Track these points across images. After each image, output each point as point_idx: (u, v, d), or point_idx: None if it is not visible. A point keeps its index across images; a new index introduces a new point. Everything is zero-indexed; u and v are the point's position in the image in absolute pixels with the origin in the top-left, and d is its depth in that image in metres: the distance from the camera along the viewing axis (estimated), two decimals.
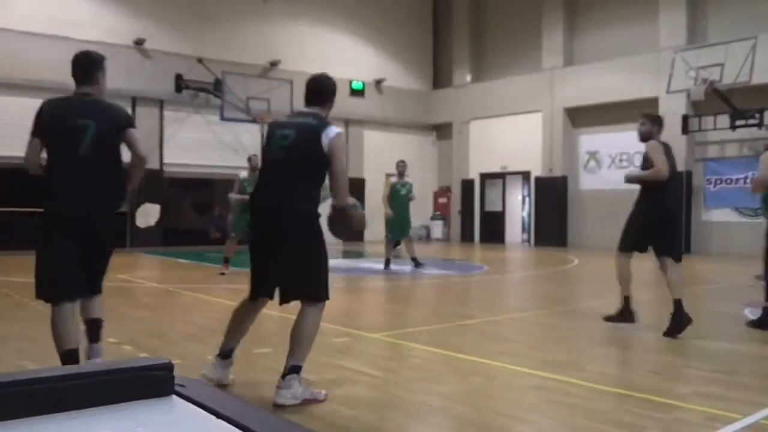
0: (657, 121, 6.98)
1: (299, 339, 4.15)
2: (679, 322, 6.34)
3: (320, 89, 4.37)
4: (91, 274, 4.26)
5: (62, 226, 4.10)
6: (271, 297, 4.35)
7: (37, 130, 4.18)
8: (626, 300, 6.88)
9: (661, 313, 7.67)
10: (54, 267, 4.12)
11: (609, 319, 6.97)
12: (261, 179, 4.32)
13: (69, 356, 4.09)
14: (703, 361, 5.47)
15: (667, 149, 6.65)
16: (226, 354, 4.40)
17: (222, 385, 4.28)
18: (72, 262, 4.12)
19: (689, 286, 8.29)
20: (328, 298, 4.27)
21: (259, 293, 4.37)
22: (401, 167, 12.60)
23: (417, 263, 12.50)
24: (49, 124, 4.16)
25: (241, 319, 4.44)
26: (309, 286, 4.20)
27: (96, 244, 4.23)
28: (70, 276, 4.13)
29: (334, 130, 4.17)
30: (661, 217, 6.58)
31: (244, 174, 11.48)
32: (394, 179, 12.79)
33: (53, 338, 4.15)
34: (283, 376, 4.05)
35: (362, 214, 4.40)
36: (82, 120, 4.11)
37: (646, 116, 6.98)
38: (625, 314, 6.86)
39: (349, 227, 4.37)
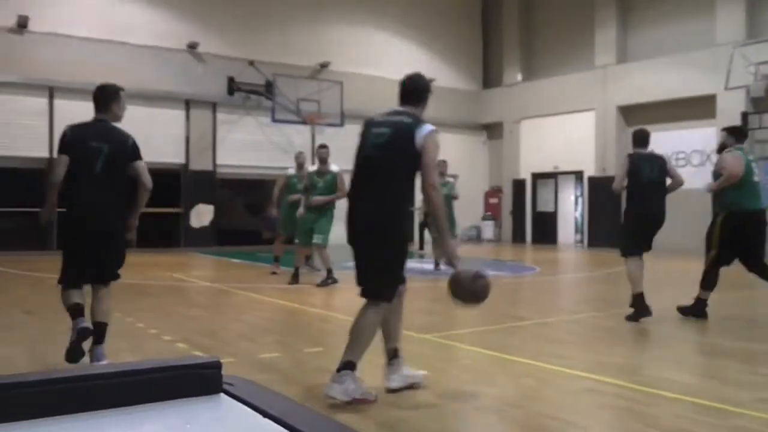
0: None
1: (357, 335, 4.17)
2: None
3: (414, 88, 4.46)
4: (99, 268, 4.97)
5: (79, 230, 4.86)
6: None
7: (64, 149, 4.88)
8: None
9: (723, 316, 7.48)
10: (71, 264, 4.91)
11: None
12: (356, 176, 4.36)
13: (75, 307, 4.83)
14: (763, 366, 5.30)
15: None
16: (392, 355, 4.42)
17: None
18: (82, 259, 4.90)
19: (747, 289, 8.06)
20: (390, 300, 4.26)
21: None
22: (442, 167, 12.36)
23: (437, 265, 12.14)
24: (72, 144, 4.86)
25: (383, 321, 4.37)
26: (376, 283, 4.24)
27: (104, 245, 4.94)
28: (79, 271, 4.91)
29: (428, 128, 4.20)
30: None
31: (291, 171, 11.32)
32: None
33: (63, 302, 4.88)
34: (338, 370, 4.06)
35: (485, 283, 4.29)
36: (98, 143, 4.85)
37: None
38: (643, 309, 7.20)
39: (467, 293, 4.30)
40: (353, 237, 4.28)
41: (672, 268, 12.11)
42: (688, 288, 7.67)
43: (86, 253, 4.88)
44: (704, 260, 7.42)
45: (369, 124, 4.40)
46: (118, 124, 5.09)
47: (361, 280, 4.27)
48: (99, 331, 4.88)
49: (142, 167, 5.01)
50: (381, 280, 4.24)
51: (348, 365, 4.07)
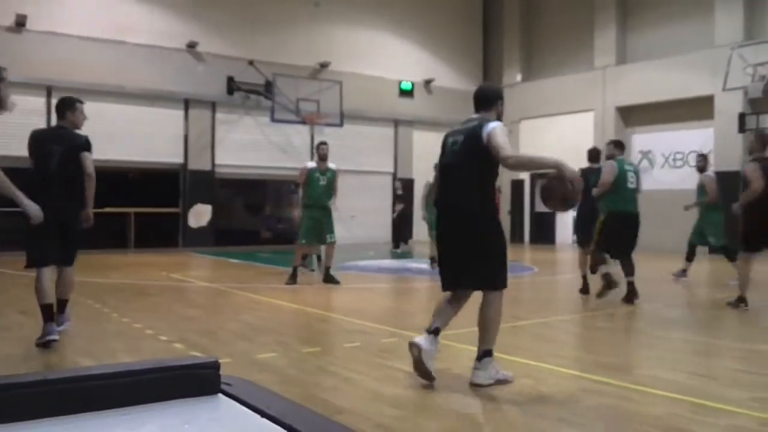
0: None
1: (486, 325, 4.57)
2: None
3: (482, 96, 4.86)
4: (62, 251, 5.83)
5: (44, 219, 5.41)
6: (461, 288, 4.69)
7: (28, 151, 5.76)
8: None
9: (718, 315, 7.50)
10: (36, 247, 5.67)
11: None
12: (441, 182, 4.82)
13: (46, 308, 5.65)
14: (760, 365, 5.30)
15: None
16: (433, 331, 4.67)
17: (423, 363, 4.52)
18: (48, 243, 5.65)
19: (749, 290, 8.07)
20: (505, 286, 4.64)
21: (449, 286, 4.70)
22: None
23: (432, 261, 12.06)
24: (33, 147, 5.75)
25: (444, 307, 4.72)
26: (487, 276, 4.58)
27: (64, 232, 5.75)
28: (46, 252, 5.70)
29: (492, 123, 4.52)
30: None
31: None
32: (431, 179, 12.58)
33: (36, 292, 5.62)
34: (479, 359, 4.53)
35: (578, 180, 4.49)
36: (53, 145, 5.71)
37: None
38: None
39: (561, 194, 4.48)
40: (454, 238, 4.63)
41: (663, 267, 12.11)
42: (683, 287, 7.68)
43: (47, 238, 5.62)
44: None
45: (447, 135, 4.87)
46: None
47: (471, 276, 4.59)
48: (61, 305, 6.04)
49: (87, 158, 5.79)
50: (494, 268, 4.60)
51: (487, 353, 4.54)
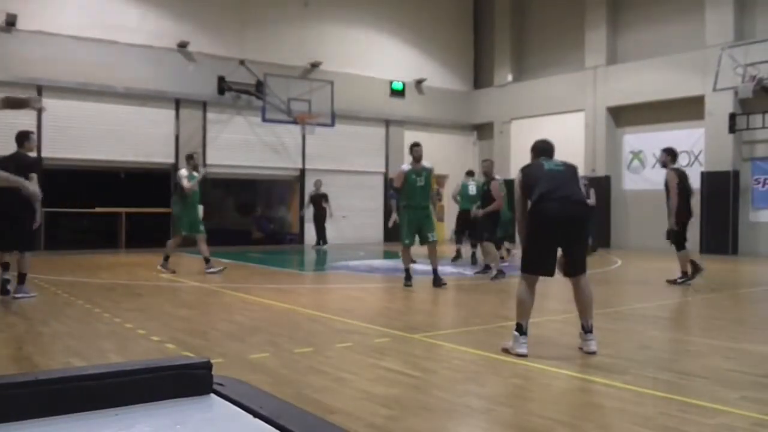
0: (669, 152, 9.99)
1: (590, 302, 5.67)
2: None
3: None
4: (16, 241, 8.47)
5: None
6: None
7: None
8: None
9: (708, 315, 7.53)
10: None
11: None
12: (552, 187, 5.64)
13: (4, 264, 8.65)
14: (749, 364, 5.33)
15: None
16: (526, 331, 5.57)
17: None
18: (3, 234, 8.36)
19: (736, 288, 8.11)
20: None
21: (546, 273, 5.65)
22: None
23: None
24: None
25: (531, 300, 5.65)
26: (585, 259, 5.84)
27: (16, 227, 8.33)
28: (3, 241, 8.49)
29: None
30: None
31: (406, 167, 10.41)
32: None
33: None
34: (588, 332, 5.58)
35: None
36: (8, 164, 7.27)
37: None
38: None
39: None
40: (571, 230, 5.60)
41: (656, 267, 12.16)
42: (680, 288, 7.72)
43: (5, 231, 8.33)
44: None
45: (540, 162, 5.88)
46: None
47: (577, 262, 5.65)
48: (21, 277, 8.41)
49: (33, 177, 7.54)
50: (585, 256, 5.87)
51: (592, 327, 5.61)
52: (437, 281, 10.08)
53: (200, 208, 13.14)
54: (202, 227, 12.15)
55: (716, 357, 5.57)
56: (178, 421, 1.15)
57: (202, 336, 6.36)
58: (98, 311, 7.64)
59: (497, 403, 4.21)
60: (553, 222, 5.52)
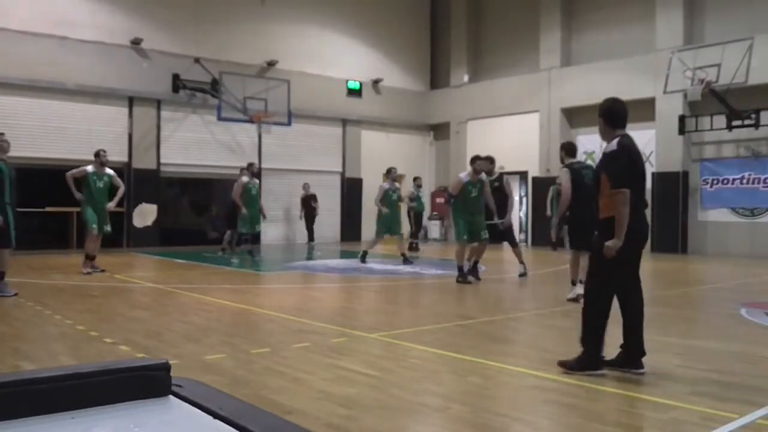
0: (564, 147, 9.10)
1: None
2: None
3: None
4: None
5: None
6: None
7: None
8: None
9: (661, 313, 7.69)
10: None
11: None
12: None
13: None
14: (699, 360, 5.47)
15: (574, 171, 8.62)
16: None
17: None
18: None
19: (686, 287, 8.30)
20: None
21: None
22: (393, 174, 14.52)
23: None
24: None
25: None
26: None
27: None
28: None
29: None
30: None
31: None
32: (386, 185, 14.51)
33: None
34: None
35: None
36: None
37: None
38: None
39: None
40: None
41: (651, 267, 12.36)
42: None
43: None
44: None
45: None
46: None
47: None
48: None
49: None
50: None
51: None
52: (475, 271, 11.16)
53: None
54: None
55: (667, 353, 5.70)
56: (137, 423, 1.14)
57: (157, 337, 6.27)
58: (49, 313, 7.47)
59: (454, 401, 4.24)
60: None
